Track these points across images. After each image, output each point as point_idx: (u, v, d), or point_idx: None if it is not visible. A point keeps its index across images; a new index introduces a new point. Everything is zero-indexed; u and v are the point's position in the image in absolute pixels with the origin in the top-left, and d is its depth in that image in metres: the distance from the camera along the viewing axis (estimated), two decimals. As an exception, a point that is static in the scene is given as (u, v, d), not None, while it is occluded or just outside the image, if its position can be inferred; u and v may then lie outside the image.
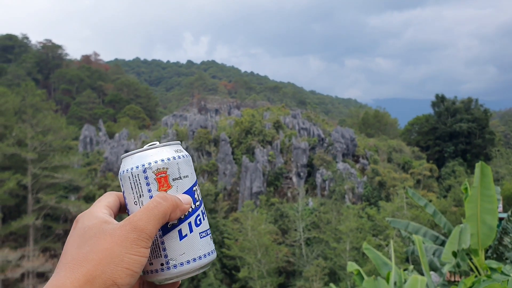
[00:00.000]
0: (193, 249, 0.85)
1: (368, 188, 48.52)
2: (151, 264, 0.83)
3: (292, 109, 71.51)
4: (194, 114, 72.49)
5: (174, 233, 0.84)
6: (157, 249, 0.83)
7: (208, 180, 50.30)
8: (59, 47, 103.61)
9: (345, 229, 34.85)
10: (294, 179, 49.88)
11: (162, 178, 0.84)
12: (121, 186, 0.87)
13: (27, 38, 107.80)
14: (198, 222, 0.87)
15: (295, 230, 39.66)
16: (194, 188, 0.88)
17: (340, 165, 51.27)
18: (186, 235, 0.84)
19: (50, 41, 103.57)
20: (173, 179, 0.85)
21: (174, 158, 0.86)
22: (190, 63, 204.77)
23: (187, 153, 0.89)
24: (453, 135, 64.46)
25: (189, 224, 0.85)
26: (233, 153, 52.52)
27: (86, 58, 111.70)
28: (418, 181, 52.64)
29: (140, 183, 0.83)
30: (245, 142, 53.49)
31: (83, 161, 49.08)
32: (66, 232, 38.90)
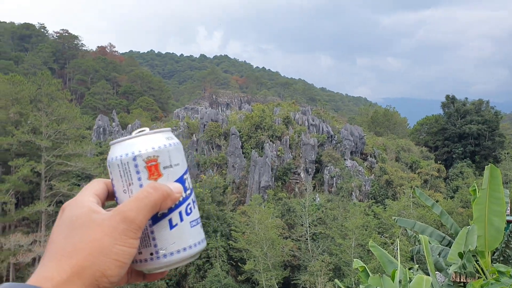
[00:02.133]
0: (184, 239, 0.84)
1: (375, 186, 48.74)
2: (140, 253, 0.82)
3: (302, 106, 71.81)
4: (205, 107, 73.00)
5: (164, 222, 0.82)
6: (146, 238, 0.82)
7: (217, 173, 50.80)
8: (75, 37, 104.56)
9: (351, 226, 35.19)
10: (302, 174, 50.24)
11: (153, 167, 0.82)
12: (110, 174, 0.86)
13: (44, 27, 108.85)
14: (189, 211, 0.86)
15: (302, 225, 40.00)
16: (185, 177, 0.86)
17: (348, 163, 51.50)
18: (176, 225, 0.83)
19: (66, 31, 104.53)
20: (164, 167, 0.83)
21: (165, 146, 0.84)
22: (203, 57, 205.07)
23: (178, 141, 0.89)
24: (462, 136, 64.37)
25: (180, 213, 0.84)
26: (242, 147, 52.90)
27: (101, 49, 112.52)
28: (426, 181, 52.76)
29: (129, 171, 0.82)
30: (254, 136, 53.83)
31: (96, 150, 49.80)
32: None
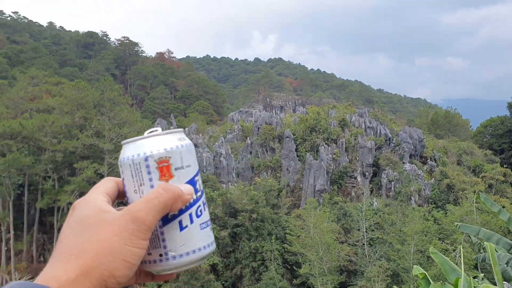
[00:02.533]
0: (193, 241, 0.83)
1: (436, 190, 46.96)
2: (149, 254, 0.82)
3: (358, 108, 70.52)
4: (259, 110, 73.51)
5: (175, 224, 0.82)
6: (156, 239, 0.82)
7: (271, 176, 50.89)
8: (135, 44, 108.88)
9: (410, 231, 34.11)
10: (359, 178, 49.31)
11: (164, 167, 0.82)
12: (121, 173, 0.85)
13: (106, 35, 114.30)
14: (199, 213, 0.85)
15: (358, 229, 39.28)
16: (196, 178, 0.86)
17: (407, 166, 49.99)
18: (186, 226, 0.83)
19: (127, 38, 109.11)
20: (176, 169, 0.82)
21: (177, 147, 0.83)
22: (257, 60, 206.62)
23: (190, 142, 0.89)
24: (531, 139, 60.70)
25: (190, 215, 0.84)
26: (297, 150, 52.72)
27: (160, 55, 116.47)
28: (490, 186, 50.12)
29: (141, 171, 0.81)
30: (309, 139, 53.52)
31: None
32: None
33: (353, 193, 47.78)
